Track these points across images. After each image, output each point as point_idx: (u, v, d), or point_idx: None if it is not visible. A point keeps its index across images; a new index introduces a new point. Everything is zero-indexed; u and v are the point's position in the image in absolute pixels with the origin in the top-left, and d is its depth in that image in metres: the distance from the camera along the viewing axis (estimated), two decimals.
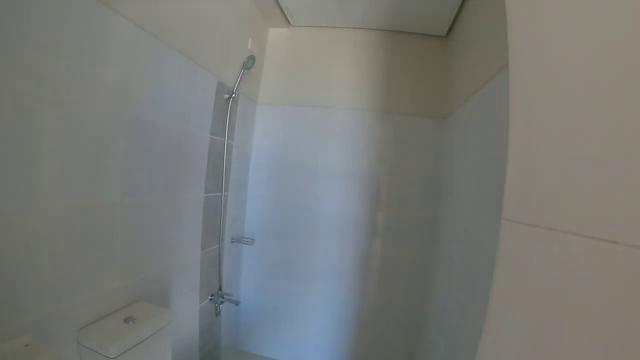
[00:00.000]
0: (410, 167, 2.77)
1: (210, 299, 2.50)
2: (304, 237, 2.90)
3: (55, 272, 1.25)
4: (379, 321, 2.88)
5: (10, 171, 1.05)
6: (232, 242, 2.73)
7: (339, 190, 2.84)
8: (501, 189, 1.48)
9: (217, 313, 2.61)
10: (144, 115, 1.63)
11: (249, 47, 2.56)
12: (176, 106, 1.87)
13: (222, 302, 2.56)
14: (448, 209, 2.41)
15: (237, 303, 2.59)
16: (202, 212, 2.27)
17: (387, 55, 2.79)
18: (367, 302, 2.88)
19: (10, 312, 1.09)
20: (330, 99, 2.82)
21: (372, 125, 2.79)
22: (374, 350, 2.91)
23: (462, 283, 1.94)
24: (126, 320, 1.49)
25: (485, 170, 1.73)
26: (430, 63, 2.77)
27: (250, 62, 2.42)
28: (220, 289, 2.57)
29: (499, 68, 1.62)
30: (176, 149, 1.92)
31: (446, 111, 2.66)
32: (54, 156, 1.20)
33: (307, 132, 2.86)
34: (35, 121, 1.12)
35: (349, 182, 2.83)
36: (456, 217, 2.19)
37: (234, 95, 2.37)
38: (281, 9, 2.66)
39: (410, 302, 2.80)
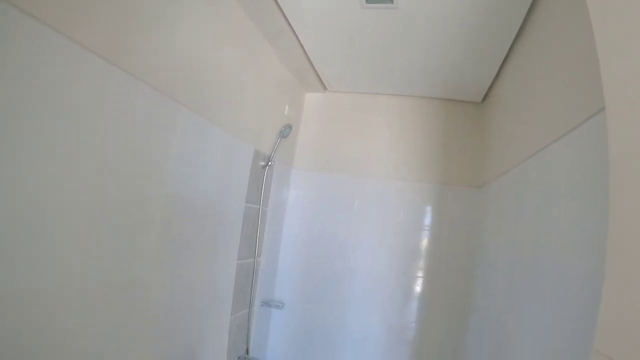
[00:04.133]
0: (445, 237, 2.73)
1: None
2: (335, 303, 2.87)
3: (83, 348, 1.25)
4: None
5: (42, 247, 1.06)
6: (261, 305, 2.72)
7: (372, 258, 2.81)
8: (531, 269, 1.45)
9: None
10: (182, 190, 1.66)
11: (286, 114, 2.61)
12: (214, 177, 1.91)
13: None
14: (480, 283, 2.34)
15: None
16: (235, 279, 2.28)
17: (422, 122, 2.79)
18: None
19: None
20: (365, 167, 2.84)
21: (406, 194, 2.78)
22: None
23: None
24: None
25: (518, 249, 1.69)
26: (466, 130, 2.76)
27: (287, 131, 2.46)
28: (247, 352, 2.54)
29: (540, 146, 1.58)
30: (212, 219, 1.95)
31: (481, 181, 2.63)
32: (88, 233, 1.21)
33: (341, 198, 2.87)
34: (70, 197, 1.12)
35: (382, 250, 2.80)
36: (487, 293, 2.13)
37: (270, 163, 2.40)
38: (318, 77, 2.72)
39: None
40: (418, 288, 2.76)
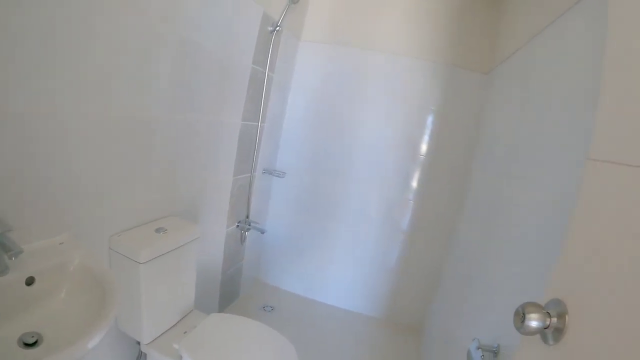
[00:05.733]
0: (450, 119, 2.78)
1: (237, 226, 2.61)
2: (335, 177, 2.97)
3: (94, 177, 1.32)
4: (400, 268, 2.99)
5: (59, 73, 1.09)
6: (263, 173, 2.82)
7: (374, 135, 2.87)
8: (532, 146, 1.50)
9: (242, 240, 2.73)
10: (192, 36, 1.67)
11: None
12: (222, 31, 1.90)
13: (248, 229, 2.67)
14: (480, 164, 2.41)
15: (262, 231, 2.71)
16: (238, 138, 2.34)
17: (438, 3, 2.71)
18: (390, 248, 2.98)
19: (48, 213, 1.17)
20: (375, 42, 2.79)
21: (414, 72, 2.77)
22: (391, 295, 3.04)
23: (480, 236, 1.99)
24: (157, 230, 1.57)
25: (521, 129, 1.73)
26: (479, 16, 2.67)
27: None
28: (247, 216, 2.68)
29: (549, 21, 1.58)
30: (220, 72, 1.97)
31: (490, 66, 2.62)
32: (105, 67, 1.25)
33: (348, 72, 2.86)
34: (88, 33, 1.15)
35: (385, 128, 2.86)
36: (486, 172, 2.20)
37: (278, 28, 2.38)
38: None
39: (432, 253, 2.89)
40: (419, 166, 2.86)
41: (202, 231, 2.08)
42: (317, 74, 2.91)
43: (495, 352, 1.28)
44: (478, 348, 1.32)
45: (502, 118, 2.13)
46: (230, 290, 2.78)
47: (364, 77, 2.84)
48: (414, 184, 2.89)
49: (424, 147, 2.84)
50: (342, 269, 3.08)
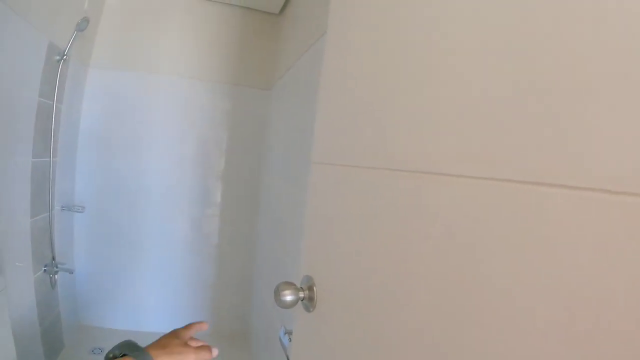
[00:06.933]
0: (240, 134, 3.08)
1: (45, 270, 2.40)
2: (138, 203, 2.95)
3: None
4: (218, 281, 3.15)
5: None
6: (62, 210, 2.63)
7: (172, 157, 2.97)
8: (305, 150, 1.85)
9: (53, 285, 2.50)
10: None
11: (85, 7, 2.46)
12: (3, 65, 1.77)
13: (56, 272, 2.47)
14: (267, 171, 2.80)
15: (71, 271, 2.53)
16: (30, 177, 2.17)
17: (222, 27, 2.97)
18: (204, 263, 3.11)
19: None
20: (163, 67, 2.90)
21: (203, 94, 2.98)
22: (214, 308, 3.18)
23: (273, 234, 2.35)
24: None
25: (291, 136, 2.09)
26: (262, 38, 3.05)
27: (84, 24, 2.34)
28: (53, 258, 2.47)
29: (311, 43, 1.96)
30: (4, 109, 1.83)
31: (271, 83, 3.04)
32: None
33: (139, 98, 2.88)
34: None
35: (181, 149, 2.99)
36: (271, 177, 2.57)
37: (64, 57, 2.28)
38: None
39: (243, 260, 3.15)
40: (219, 182, 3.09)
41: (7, 283, 1.90)
42: (108, 101, 2.85)
43: None
44: (285, 333, 1.50)
45: (279, 128, 2.53)
46: (54, 341, 2.53)
47: (155, 102, 2.91)
48: (217, 199, 3.10)
49: (221, 163, 3.08)
50: (161, 294, 3.07)
